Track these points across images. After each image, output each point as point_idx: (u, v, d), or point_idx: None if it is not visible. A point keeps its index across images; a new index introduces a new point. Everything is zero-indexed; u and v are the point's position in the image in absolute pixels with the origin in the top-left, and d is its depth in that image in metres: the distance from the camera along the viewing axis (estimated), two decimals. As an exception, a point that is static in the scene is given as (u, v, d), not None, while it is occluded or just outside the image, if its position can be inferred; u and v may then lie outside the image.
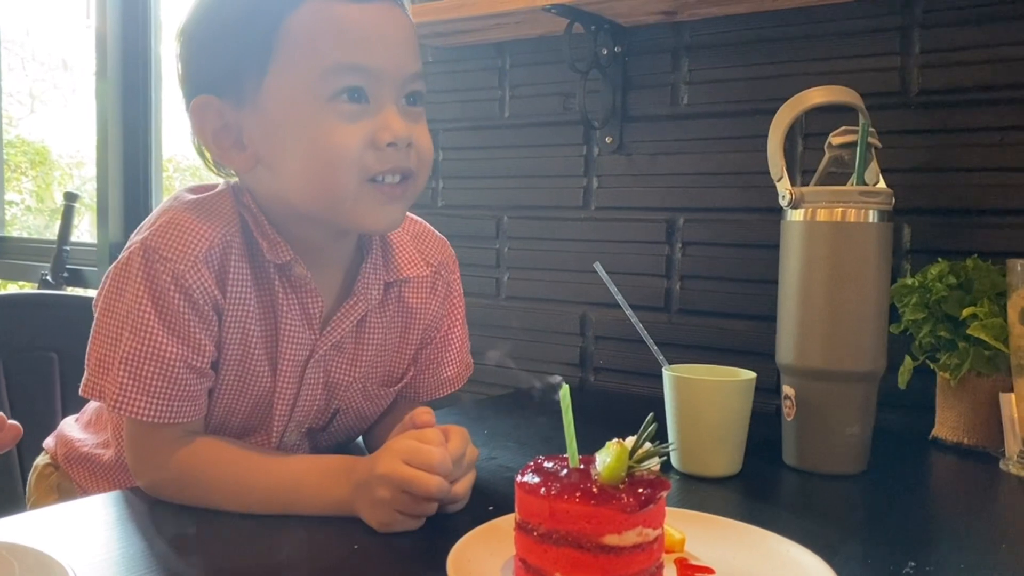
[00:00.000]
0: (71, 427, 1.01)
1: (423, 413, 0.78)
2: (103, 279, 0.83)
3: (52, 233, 2.80)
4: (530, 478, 0.61)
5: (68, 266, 2.37)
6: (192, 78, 0.84)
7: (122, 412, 0.78)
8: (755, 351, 1.28)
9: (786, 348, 0.99)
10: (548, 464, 0.64)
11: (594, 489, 0.59)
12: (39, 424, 1.29)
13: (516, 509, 0.62)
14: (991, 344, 1.01)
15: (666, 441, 0.94)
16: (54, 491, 0.98)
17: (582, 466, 0.63)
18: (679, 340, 1.37)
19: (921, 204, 1.18)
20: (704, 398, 0.94)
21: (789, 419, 0.98)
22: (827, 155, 1.05)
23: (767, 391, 1.12)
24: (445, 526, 0.73)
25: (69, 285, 2.40)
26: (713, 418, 0.93)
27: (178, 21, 0.85)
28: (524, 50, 1.53)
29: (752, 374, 0.96)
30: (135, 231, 0.83)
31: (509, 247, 1.57)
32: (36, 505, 1.00)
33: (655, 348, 1.00)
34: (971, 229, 1.16)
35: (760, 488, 0.93)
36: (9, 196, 3.37)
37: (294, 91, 0.79)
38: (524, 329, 1.55)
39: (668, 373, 0.96)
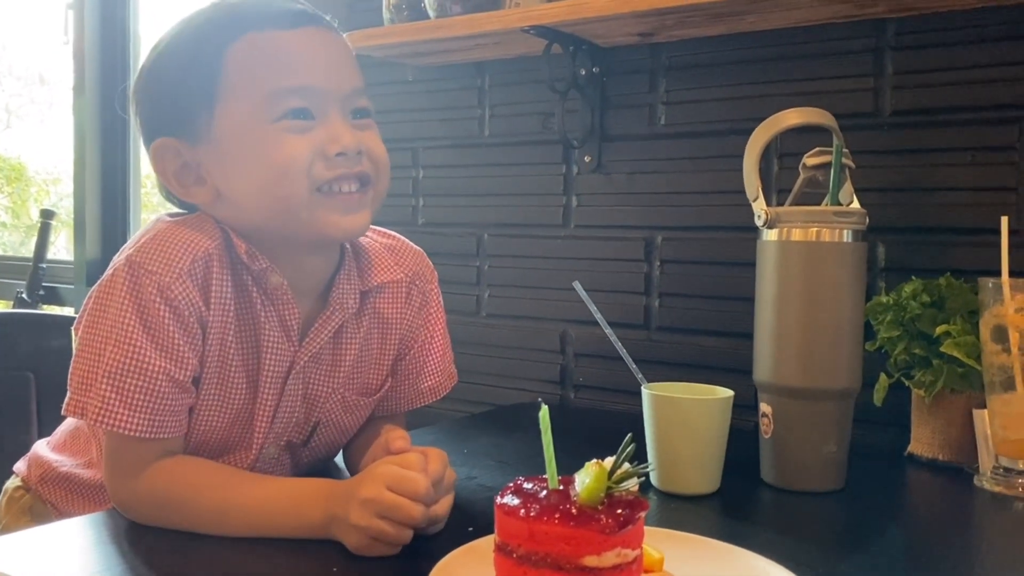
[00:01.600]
0: (44, 450, 1.00)
1: (397, 440, 0.78)
2: (85, 300, 0.83)
3: (28, 250, 2.77)
4: (509, 500, 0.62)
5: (44, 284, 2.35)
6: (149, 124, 0.87)
7: (104, 425, 0.78)
8: (733, 368, 1.29)
9: (763, 366, 1.00)
10: (527, 485, 0.64)
11: (573, 510, 0.59)
12: (15, 445, 1.28)
13: (496, 531, 0.62)
14: (964, 361, 1.03)
15: (645, 460, 0.95)
16: (26, 514, 0.97)
17: (561, 487, 0.63)
18: (658, 357, 1.38)
19: (895, 223, 1.20)
20: (682, 416, 0.94)
21: (766, 436, 0.99)
22: (802, 176, 1.06)
23: (745, 407, 1.12)
24: (425, 548, 0.73)
25: (45, 303, 2.38)
26: (691, 436, 0.94)
27: (133, 81, 0.90)
28: (503, 70, 1.54)
29: (730, 392, 0.97)
30: (118, 253, 0.84)
31: (489, 264, 1.57)
32: (7, 528, 0.98)
33: (634, 366, 1.01)
34: (944, 247, 1.18)
35: (738, 506, 0.94)
36: (-17, 213, 3.34)
37: (242, 119, 0.82)
38: (504, 347, 1.55)
39: (647, 391, 0.97)
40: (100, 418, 0.78)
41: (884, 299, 1.11)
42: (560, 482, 0.64)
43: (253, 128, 0.81)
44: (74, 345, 0.83)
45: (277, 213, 0.83)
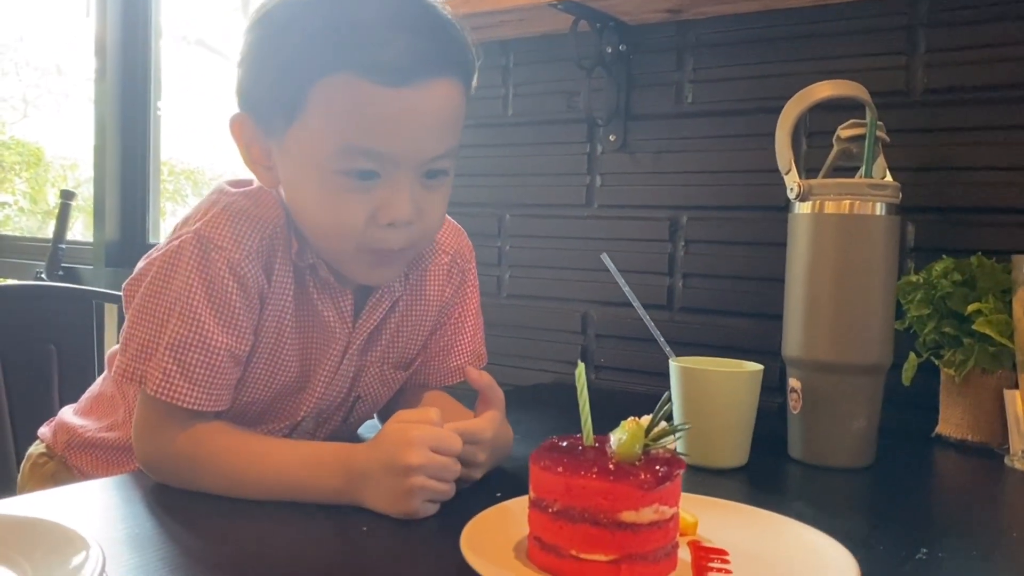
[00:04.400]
0: (70, 416, 1.01)
1: (475, 373, 0.83)
2: (145, 266, 0.83)
3: (45, 235, 2.78)
4: (545, 455, 0.61)
5: (63, 264, 2.36)
6: (239, 93, 0.83)
7: (164, 397, 0.78)
8: (757, 349, 1.27)
9: (793, 341, 0.99)
10: (563, 443, 0.64)
11: (610, 466, 0.59)
12: (37, 416, 1.28)
13: (530, 487, 0.62)
14: (996, 340, 1.02)
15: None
16: (49, 480, 0.98)
17: (596, 445, 0.63)
18: (681, 338, 1.36)
19: (925, 202, 1.18)
20: (712, 389, 0.93)
21: (795, 412, 0.98)
22: (835, 148, 1.05)
23: (769, 389, 1.11)
24: (453, 510, 0.73)
25: (64, 284, 2.38)
26: (721, 409, 0.93)
27: (252, 14, 0.81)
28: (528, 48, 1.53)
29: (759, 366, 0.96)
30: (181, 223, 0.84)
31: (511, 245, 1.56)
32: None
33: (661, 339, 1.00)
34: (975, 227, 1.16)
35: (767, 479, 0.93)
36: (2, 198, 3.36)
37: (311, 152, 0.78)
38: (525, 327, 1.54)
39: (675, 364, 0.96)
40: (160, 390, 0.78)
41: (914, 278, 1.09)
42: (595, 440, 0.64)
43: (317, 167, 0.78)
44: (125, 306, 0.83)
45: (319, 248, 0.83)
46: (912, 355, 1.10)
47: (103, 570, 0.49)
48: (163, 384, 0.78)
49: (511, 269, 1.56)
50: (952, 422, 1.09)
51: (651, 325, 1.01)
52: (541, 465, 0.60)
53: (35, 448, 1.03)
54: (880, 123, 1.00)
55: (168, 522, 0.72)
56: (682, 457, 0.62)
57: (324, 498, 0.75)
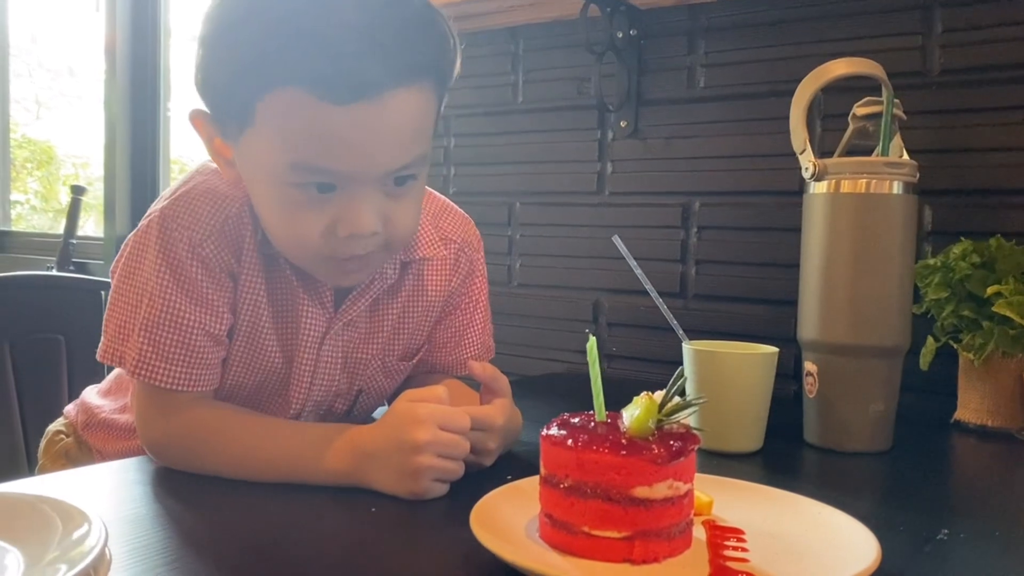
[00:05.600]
0: (92, 396, 1.01)
1: (478, 366, 0.81)
2: (122, 246, 0.83)
3: (56, 232, 2.78)
4: (557, 431, 0.60)
5: (74, 259, 2.36)
6: (196, 80, 0.78)
7: (141, 377, 0.78)
8: (771, 335, 1.25)
9: (809, 324, 0.97)
10: (575, 420, 0.62)
11: (623, 440, 0.57)
12: (46, 405, 1.28)
13: (542, 464, 0.60)
14: (1016, 322, 0.99)
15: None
16: (62, 457, 0.99)
17: (609, 421, 0.62)
18: (694, 325, 1.34)
19: (942, 184, 1.16)
20: (727, 372, 0.92)
21: (811, 396, 0.96)
22: (851, 127, 1.03)
23: (783, 376, 1.09)
24: (462, 491, 0.71)
25: (73, 274, 2.38)
26: (736, 392, 0.91)
27: (203, 11, 0.75)
28: (538, 34, 1.52)
29: (774, 349, 0.94)
30: (156, 200, 0.83)
31: (521, 233, 1.55)
32: (43, 469, 1.00)
33: (675, 323, 0.98)
34: (993, 209, 1.14)
35: (783, 463, 0.92)
36: (14, 196, 3.36)
37: (264, 163, 0.74)
38: (536, 316, 1.53)
39: (689, 347, 0.94)
40: (137, 370, 0.78)
41: (932, 261, 1.07)
42: (608, 416, 0.62)
43: (271, 178, 0.74)
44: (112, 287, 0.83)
45: (280, 249, 0.80)
46: (930, 339, 1.08)
47: (105, 544, 0.48)
48: (139, 364, 0.78)
49: (521, 258, 1.55)
50: (971, 407, 1.07)
51: (663, 308, 1.00)
52: (552, 440, 0.59)
53: (54, 425, 1.04)
54: (897, 100, 0.98)
55: (172, 504, 0.71)
56: (697, 432, 0.60)
57: (331, 479, 0.73)
